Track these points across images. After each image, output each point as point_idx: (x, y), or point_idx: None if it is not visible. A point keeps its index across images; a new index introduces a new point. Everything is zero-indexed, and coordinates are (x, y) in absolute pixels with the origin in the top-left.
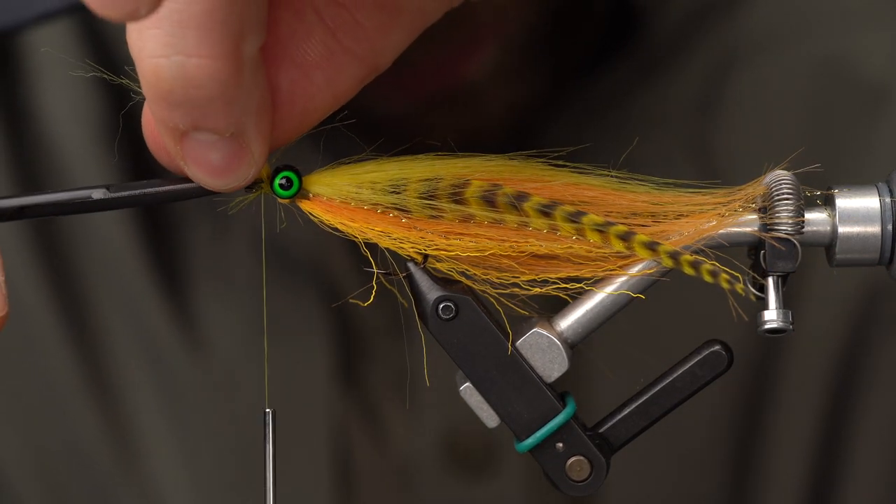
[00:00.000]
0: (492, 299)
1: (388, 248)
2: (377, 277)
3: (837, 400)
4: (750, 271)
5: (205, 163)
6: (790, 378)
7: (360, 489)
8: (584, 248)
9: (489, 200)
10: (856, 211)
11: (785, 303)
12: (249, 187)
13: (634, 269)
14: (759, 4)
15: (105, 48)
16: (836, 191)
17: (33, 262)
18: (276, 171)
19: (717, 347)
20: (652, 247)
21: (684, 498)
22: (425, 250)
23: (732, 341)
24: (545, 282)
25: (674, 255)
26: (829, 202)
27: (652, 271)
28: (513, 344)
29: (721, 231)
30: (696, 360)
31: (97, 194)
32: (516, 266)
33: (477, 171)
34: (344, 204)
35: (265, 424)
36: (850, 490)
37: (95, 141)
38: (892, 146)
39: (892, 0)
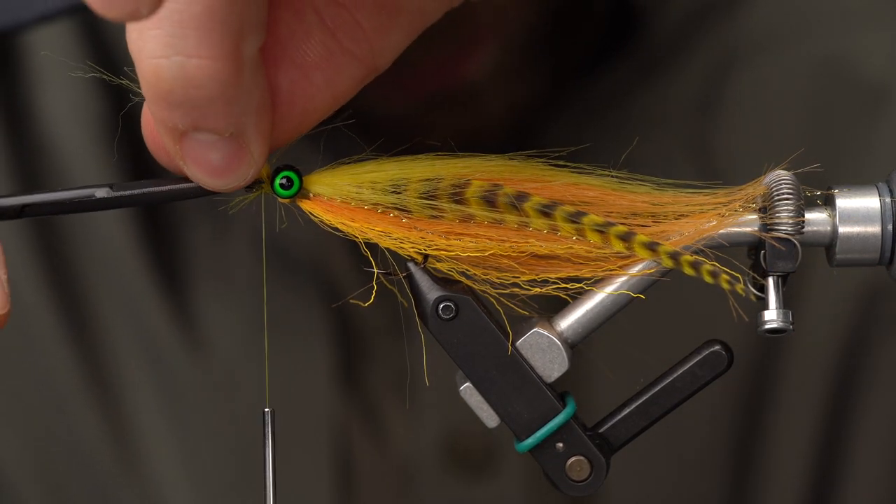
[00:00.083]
0: (492, 299)
1: (388, 248)
2: (377, 277)
3: (837, 400)
4: (750, 271)
5: (204, 163)
6: (790, 378)
7: (360, 489)
8: (584, 249)
9: (489, 200)
10: (856, 211)
11: (785, 303)
12: (250, 187)
13: (634, 269)
14: (759, 4)
15: (105, 48)
16: (836, 191)
17: (34, 262)
18: (277, 171)
19: (717, 347)
20: (652, 247)
21: (684, 498)
22: (425, 250)
23: (732, 341)
24: (545, 282)
25: (674, 256)
26: (829, 202)
27: (652, 271)
28: (513, 344)
29: (721, 231)
30: (696, 360)
31: (100, 193)
32: (516, 266)
33: (477, 171)
34: (344, 204)
35: (265, 424)
36: (850, 490)
37: (95, 141)
38: (892, 146)
39: (892, 0)
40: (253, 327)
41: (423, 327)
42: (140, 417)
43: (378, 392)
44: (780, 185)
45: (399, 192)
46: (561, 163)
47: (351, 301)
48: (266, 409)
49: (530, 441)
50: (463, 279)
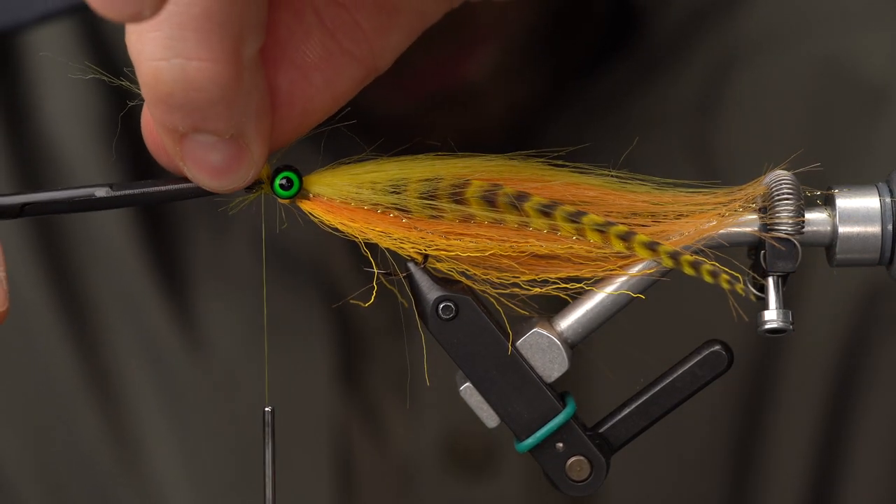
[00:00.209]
0: (492, 299)
1: (388, 248)
2: (377, 277)
3: (837, 400)
4: (750, 271)
5: (205, 164)
6: (790, 378)
7: (360, 489)
8: (584, 248)
9: (489, 200)
10: (856, 211)
11: (785, 303)
12: (250, 187)
13: (634, 269)
14: (759, 4)
15: (105, 48)
16: (836, 191)
17: (34, 262)
18: (277, 172)
19: (717, 347)
20: (652, 247)
21: (684, 498)
22: (425, 250)
23: (732, 341)
24: (545, 282)
25: (674, 256)
26: (829, 202)
27: (652, 271)
28: (513, 344)
29: (721, 231)
30: (696, 360)
31: (100, 193)
32: (516, 266)
33: (477, 171)
34: (344, 204)
35: (265, 423)
36: (850, 490)
37: (95, 140)
38: (892, 146)
39: (892, 0)
40: (253, 327)
41: (423, 327)
42: (140, 417)
43: (378, 392)
44: (780, 185)
45: (399, 193)
46: (561, 163)
47: (351, 301)
48: (266, 408)
49: (530, 441)
50: (463, 279)
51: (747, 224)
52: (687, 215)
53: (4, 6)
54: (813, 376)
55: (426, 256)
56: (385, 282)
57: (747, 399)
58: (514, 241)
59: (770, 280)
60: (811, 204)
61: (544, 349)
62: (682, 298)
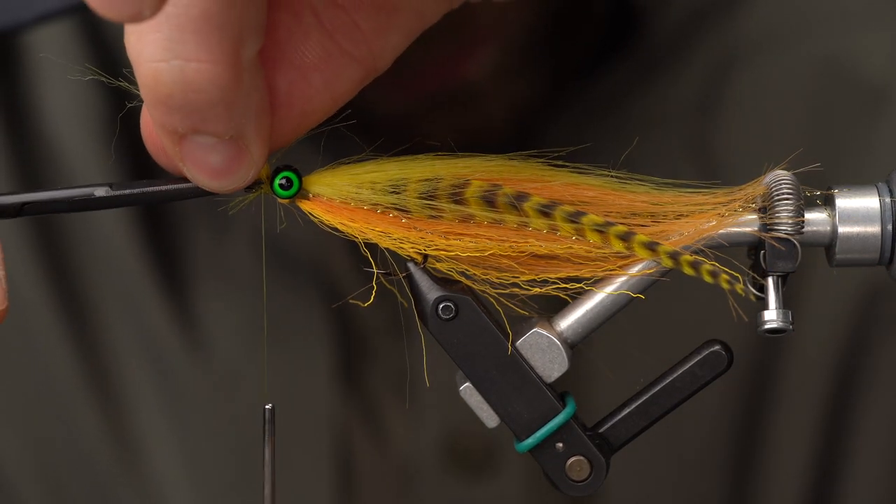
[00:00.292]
0: (492, 299)
1: (388, 248)
2: (377, 277)
3: (837, 400)
4: (750, 271)
5: (204, 165)
6: (790, 378)
7: (361, 489)
8: (583, 248)
9: (489, 200)
10: (856, 211)
11: (785, 303)
12: (249, 188)
13: (634, 269)
14: (759, 4)
15: (105, 48)
16: (836, 191)
17: (34, 261)
18: (276, 172)
19: (717, 347)
20: (652, 247)
21: (684, 498)
22: (425, 250)
23: (732, 341)
24: (545, 282)
25: (673, 256)
26: (829, 202)
27: (652, 271)
28: (513, 344)
29: (721, 231)
30: (696, 360)
31: (100, 192)
32: (516, 266)
33: (477, 171)
34: (344, 204)
35: (265, 420)
36: (850, 490)
37: (95, 140)
38: (892, 146)
39: (892, 0)
40: (253, 327)
41: (423, 327)
42: (140, 417)
43: (378, 392)
44: (780, 185)
45: (399, 193)
46: (560, 163)
47: (351, 301)
48: (266, 406)
49: (530, 441)
50: (463, 279)
51: (747, 224)
52: (687, 215)
53: (4, 6)
54: (813, 376)
55: (426, 256)
56: (385, 282)
57: (747, 399)
58: (514, 241)
59: (770, 280)
60: (811, 204)
61: (544, 349)
62: (682, 298)
